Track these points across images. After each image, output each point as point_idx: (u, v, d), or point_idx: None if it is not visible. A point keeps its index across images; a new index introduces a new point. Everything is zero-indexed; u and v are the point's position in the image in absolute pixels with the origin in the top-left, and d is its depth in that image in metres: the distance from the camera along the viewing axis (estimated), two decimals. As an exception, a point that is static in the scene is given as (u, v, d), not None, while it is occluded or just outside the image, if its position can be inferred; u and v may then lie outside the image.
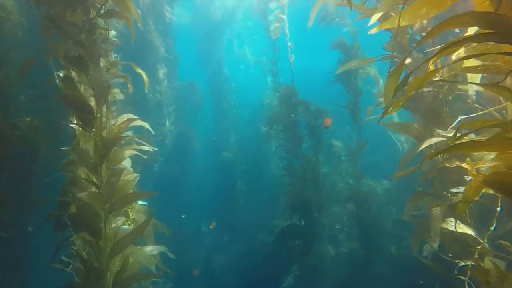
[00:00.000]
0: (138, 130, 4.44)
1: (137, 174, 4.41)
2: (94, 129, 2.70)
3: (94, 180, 2.86)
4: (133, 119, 2.89)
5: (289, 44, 6.98)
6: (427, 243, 3.06)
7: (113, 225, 3.55)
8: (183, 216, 10.25)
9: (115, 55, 5.59)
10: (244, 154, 13.28)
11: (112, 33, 7.24)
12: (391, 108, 2.26)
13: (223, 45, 14.28)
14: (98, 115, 2.69)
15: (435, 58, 1.88)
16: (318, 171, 6.68)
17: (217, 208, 12.69)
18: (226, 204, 12.42)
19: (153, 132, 4.12)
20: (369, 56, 7.70)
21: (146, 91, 3.95)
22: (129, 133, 4.39)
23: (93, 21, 2.69)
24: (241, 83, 16.01)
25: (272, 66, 9.85)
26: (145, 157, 4.29)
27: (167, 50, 10.73)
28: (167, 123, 10.79)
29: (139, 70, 3.57)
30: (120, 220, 3.74)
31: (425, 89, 3.18)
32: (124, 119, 2.89)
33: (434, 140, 2.85)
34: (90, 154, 2.73)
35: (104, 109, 2.89)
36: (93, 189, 2.78)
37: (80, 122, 2.68)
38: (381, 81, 8.15)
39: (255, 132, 13.27)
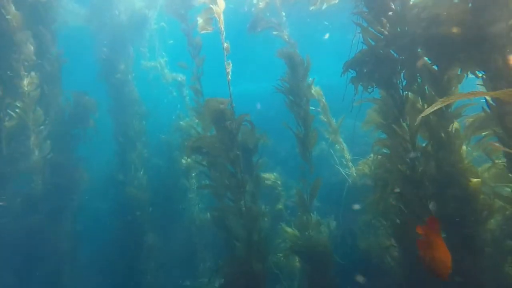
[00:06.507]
0: None
1: None
2: None
3: None
4: None
5: (226, 45, 4.93)
6: None
7: None
8: None
9: None
10: (155, 192, 10.40)
11: None
12: None
13: (130, 55, 11.52)
14: None
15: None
16: (258, 223, 4.67)
17: (113, 268, 9.23)
18: (126, 263, 9.11)
19: None
20: (312, 75, 6.37)
21: None
22: None
23: None
24: (154, 103, 13.31)
25: (194, 82, 7.76)
26: None
27: (42, 49, 7.55)
28: (36, 152, 7.32)
29: None
30: None
31: None
32: None
33: None
34: None
35: None
36: None
37: None
38: (327, 105, 6.94)
39: (172, 165, 10.68)
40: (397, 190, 5.26)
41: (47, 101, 7.92)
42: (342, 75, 5.05)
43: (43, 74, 7.60)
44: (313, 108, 7.20)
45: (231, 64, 4.87)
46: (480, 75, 4.35)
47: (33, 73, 7.18)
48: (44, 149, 7.54)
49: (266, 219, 5.63)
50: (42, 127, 7.38)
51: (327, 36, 13.12)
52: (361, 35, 5.15)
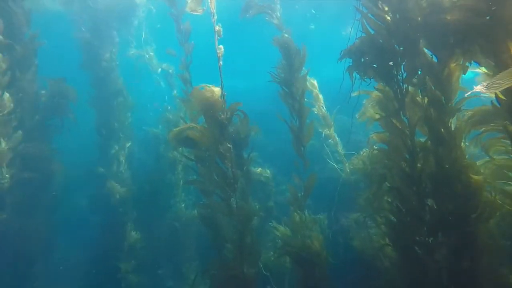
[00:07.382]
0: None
1: None
2: None
3: None
4: None
5: (217, 27, 4.46)
6: None
7: None
8: None
9: None
10: (139, 187, 9.88)
11: None
12: None
13: (115, 42, 10.84)
14: None
15: None
16: (251, 223, 4.31)
17: (93, 267, 8.70)
18: (106, 262, 8.59)
19: None
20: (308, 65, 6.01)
21: None
22: None
23: None
24: (141, 94, 12.68)
25: (183, 71, 7.28)
26: None
27: (12, 29, 6.86)
28: (3, 143, 6.67)
29: None
30: None
31: None
32: None
33: None
34: None
35: None
36: None
37: None
38: (321, 97, 6.62)
39: (158, 159, 10.19)
40: (394, 186, 5.03)
41: (19, 87, 7.26)
42: (339, 61, 4.77)
43: (14, 57, 6.94)
44: (306, 100, 6.88)
45: (222, 49, 4.46)
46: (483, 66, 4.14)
47: (0, 55, 6.53)
48: (14, 140, 6.90)
49: (256, 217, 5.28)
50: (12, 115, 6.74)
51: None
52: (359, 22, 4.86)
